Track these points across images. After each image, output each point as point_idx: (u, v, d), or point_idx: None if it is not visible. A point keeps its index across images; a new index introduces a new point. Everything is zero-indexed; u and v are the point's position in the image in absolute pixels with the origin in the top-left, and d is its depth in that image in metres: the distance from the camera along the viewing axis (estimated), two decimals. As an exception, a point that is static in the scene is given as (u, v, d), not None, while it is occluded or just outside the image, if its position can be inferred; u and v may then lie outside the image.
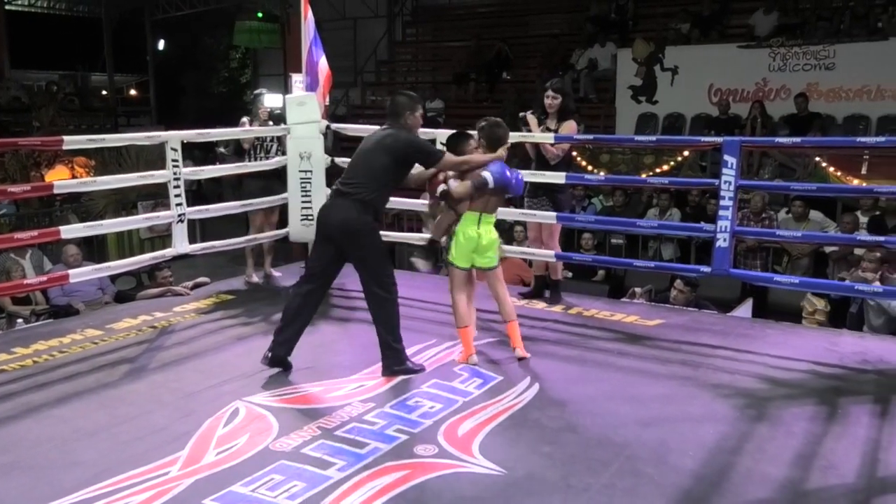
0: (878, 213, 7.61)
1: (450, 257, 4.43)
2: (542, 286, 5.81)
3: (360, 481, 3.04)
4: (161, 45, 20.38)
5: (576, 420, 3.60)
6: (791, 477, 3.09)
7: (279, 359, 4.22)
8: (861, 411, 3.70)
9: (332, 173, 6.50)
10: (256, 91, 6.52)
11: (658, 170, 9.31)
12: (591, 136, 7.28)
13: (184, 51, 20.56)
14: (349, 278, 6.22)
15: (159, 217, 5.83)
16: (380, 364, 4.22)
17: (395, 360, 4.17)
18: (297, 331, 4.24)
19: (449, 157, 4.32)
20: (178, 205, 5.45)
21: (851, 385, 4.04)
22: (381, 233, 4.42)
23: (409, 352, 4.28)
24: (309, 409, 3.75)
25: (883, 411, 3.70)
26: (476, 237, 4.31)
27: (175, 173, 5.39)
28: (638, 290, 6.36)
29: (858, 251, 6.66)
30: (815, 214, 7.78)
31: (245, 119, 6.15)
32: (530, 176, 5.36)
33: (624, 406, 3.76)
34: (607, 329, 4.99)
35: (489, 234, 4.34)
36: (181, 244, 5.52)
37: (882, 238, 5.21)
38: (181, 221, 5.49)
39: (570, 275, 7.83)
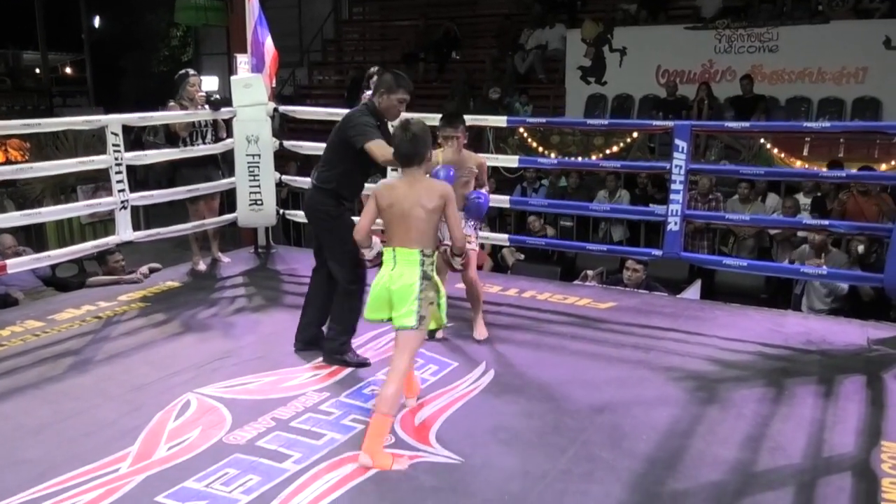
0: (819, 194, 7.82)
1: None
2: None
3: (317, 473, 3.01)
4: (97, 22, 19.67)
5: (531, 406, 3.62)
6: (741, 458, 3.16)
7: (306, 342, 4.26)
8: (806, 392, 3.80)
9: (280, 156, 6.41)
10: (182, 71, 6.05)
11: (608, 151, 9.42)
12: (543, 119, 7.30)
13: (122, 28, 19.87)
14: (301, 263, 6.19)
15: (101, 204, 5.64)
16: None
17: (333, 349, 4.11)
18: (316, 313, 4.23)
19: (377, 145, 3.78)
20: (120, 191, 5.28)
21: (797, 366, 4.14)
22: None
23: (360, 339, 4.25)
24: (263, 399, 3.68)
25: (827, 392, 3.81)
26: (387, 281, 3.18)
27: (117, 158, 5.22)
28: (590, 272, 6.42)
29: (801, 233, 6.85)
30: (771, 198, 7.96)
31: (172, 103, 5.82)
32: None
33: (578, 391, 3.79)
34: (561, 313, 5.02)
35: (403, 276, 3.14)
36: (125, 231, 5.36)
37: (826, 222, 5.35)
38: (125, 208, 5.32)
39: (521, 257, 7.88)
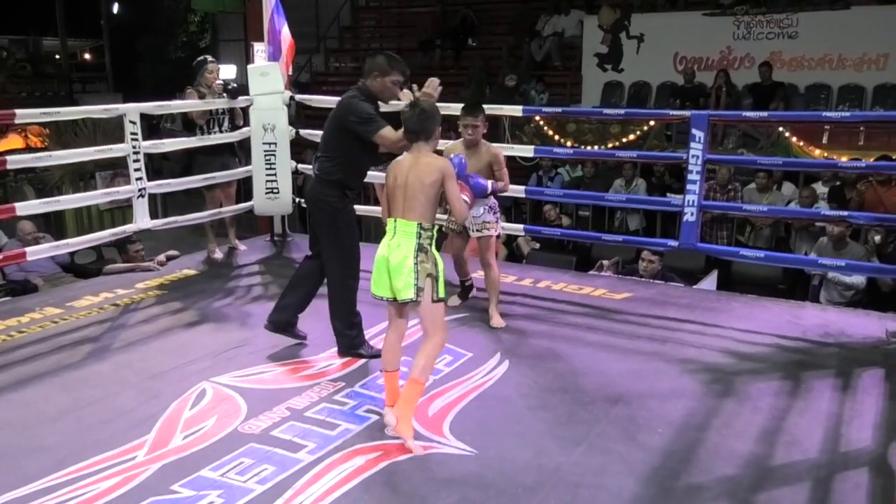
0: (837, 183, 7.73)
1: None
2: None
3: (332, 464, 3.02)
4: (115, 8, 19.74)
5: (546, 398, 3.62)
6: (757, 453, 3.14)
7: (277, 323, 4.18)
8: (823, 385, 3.77)
9: (297, 144, 6.41)
10: (200, 58, 6.05)
11: (625, 139, 9.36)
12: (559, 109, 7.25)
13: (140, 14, 19.92)
14: (315, 253, 6.21)
15: (119, 192, 5.68)
16: None
17: (347, 345, 4.09)
18: (299, 298, 4.18)
19: (387, 131, 3.75)
20: (138, 179, 5.31)
21: (814, 358, 4.11)
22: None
23: (373, 331, 4.25)
24: (277, 389, 3.70)
25: (844, 385, 3.78)
26: (386, 251, 3.26)
27: (134, 147, 5.25)
28: (605, 262, 6.39)
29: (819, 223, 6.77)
30: (786, 186, 7.89)
31: (190, 89, 5.82)
32: None
33: (593, 382, 3.78)
34: (576, 303, 5.00)
35: (401, 247, 3.21)
36: (142, 219, 5.40)
37: (846, 213, 5.28)
38: (142, 196, 5.36)
39: (537, 246, 7.86)
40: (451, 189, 3.32)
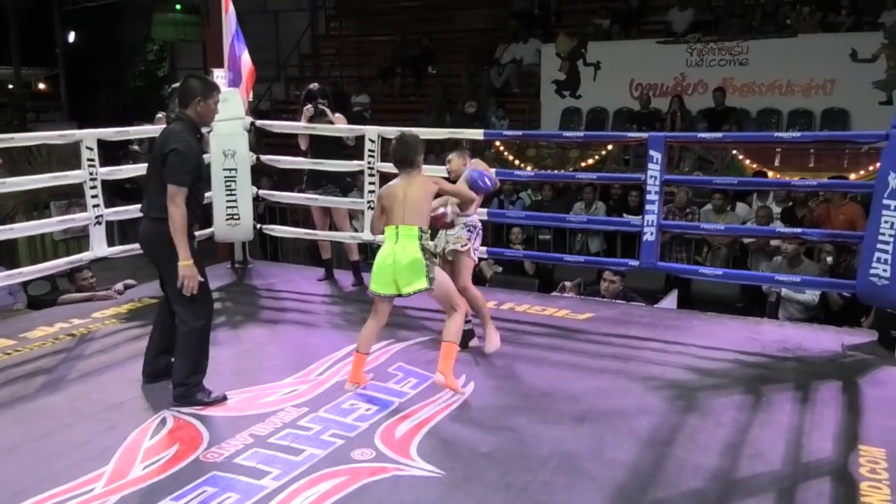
0: (790, 203, 7.92)
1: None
2: (331, 270, 6.19)
3: (297, 490, 2.98)
4: (72, 37, 19.51)
5: (512, 418, 3.61)
6: (721, 466, 3.17)
7: (152, 375, 3.98)
8: (784, 398, 3.83)
9: (255, 171, 6.37)
10: (174, 85, 6.15)
11: (583, 164, 9.48)
12: (520, 132, 7.35)
13: (97, 43, 19.71)
14: (279, 279, 6.17)
15: (75, 219, 5.57)
16: (311, 367, 4.17)
17: (182, 394, 3.74)
18: (166, 341, 3.92)
19: (181, 194, 3.56)
20: (95, 206, 5.22)
21: (774, 373, 4.18)
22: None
23: (342, 352, 4.19)
24: (240, 416, 3.63)
25: (804, 398, 3.85)
26: (392, 256, 3.75)
27: (91, 173, 5.17)
28: (568, 283, 6.43)
29: (774, 242, 6.92)
30: (740, 207, 8.07)
31: (161, 114, 5.79)
32: (313, 165, 5.91)
33: (558, 402, 3.79)
34: (539, 324, 5.02)
35: (408, 251, 3.73)
36: (99, 247, 5.30)
37: (799, 230, 5.42)
38: (99, 223, 5.26)
39: (499, 269, 7.88)
40: (450, 188, 4.03)
